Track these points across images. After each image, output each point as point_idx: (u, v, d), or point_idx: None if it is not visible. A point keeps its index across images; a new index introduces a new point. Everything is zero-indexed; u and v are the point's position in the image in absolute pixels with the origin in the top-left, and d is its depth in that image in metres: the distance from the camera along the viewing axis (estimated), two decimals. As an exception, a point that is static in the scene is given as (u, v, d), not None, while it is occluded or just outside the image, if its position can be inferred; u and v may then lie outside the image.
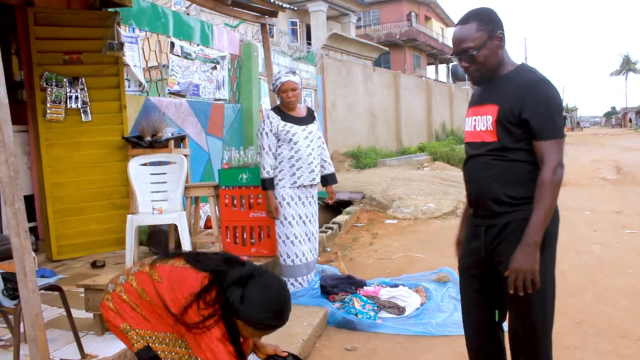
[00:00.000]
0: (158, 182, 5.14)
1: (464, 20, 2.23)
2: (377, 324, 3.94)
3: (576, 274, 4.82)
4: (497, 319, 2.40)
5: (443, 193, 9.30)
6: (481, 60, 2.21)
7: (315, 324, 3.69)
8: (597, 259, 5.48)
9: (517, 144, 2.16)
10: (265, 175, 4.26)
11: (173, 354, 2.13)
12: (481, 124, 2.24)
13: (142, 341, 2.12)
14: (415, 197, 8.84)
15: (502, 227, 2.21)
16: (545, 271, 2.17)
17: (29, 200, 5.71)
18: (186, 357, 2.15)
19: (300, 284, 4.37)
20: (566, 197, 8.41)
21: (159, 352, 2.13)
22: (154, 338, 2.13)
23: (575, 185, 10.45)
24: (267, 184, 4.27)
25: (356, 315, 4.00)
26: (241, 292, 1.96)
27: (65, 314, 2.93)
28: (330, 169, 4.61)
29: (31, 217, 5.65)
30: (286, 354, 2.51)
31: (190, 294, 2.00)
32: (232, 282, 1.99)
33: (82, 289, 3.51)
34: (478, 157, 2.27)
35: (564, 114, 2.28)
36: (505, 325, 2.39)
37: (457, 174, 12.46)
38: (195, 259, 2.16)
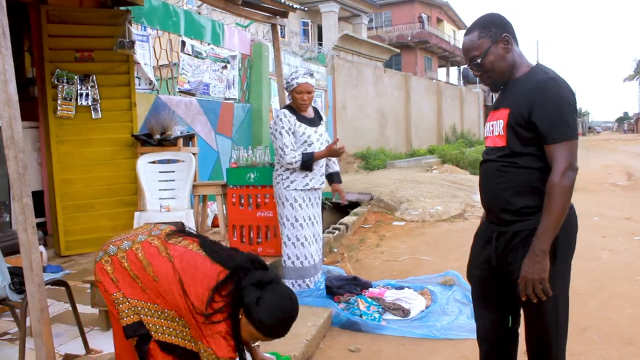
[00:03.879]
0: (166, 180, 5.17)
1: (468, 30, 2.25)
2: (382, 325, 3.94)
3: (583, 281, 4.78)
4: (509, 324, 2.38)
5: (451, 196, 9.28)
6: (488, 67, 2.20)
7: (319, 325, 3.69)
8: (605, 265, 5.44)
9: (526, 149, 2.11)
10: (298, 159, 4.09)
11: (165, 327, 2.10)
12: (496, 128, 2.22)
13: (132, 316, 2.09)
14: (423, 199, 8.82)
15: (512, 235, 2.18)
16: (557, 280, 2.12)
17: (38, 195, 5.76)
18: (183, 333, 2.12)
19: (307, 285, 4.37)
20: (574, 203, 8.32)
21: (150, 326, 2.09)
22: (146, 310, 2.09)
23: (584, 190, 10.38)
24: (308, 157, 4.11)
25: (361, 316, 4.00)
26: (259, 294, 1.96)
27: (71, 309, 2.96)
28: (335, 167, 4.57)
29: (40, 212, 5.70)
30: None
31: (204, 284, 1.99)
32: (253, 282, 1.99)
33: (88, 285, 3.54)
34: (490, 162, 2.25)
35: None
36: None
37: (466, 177, 12.43)
38: (212, 248, 2.16)
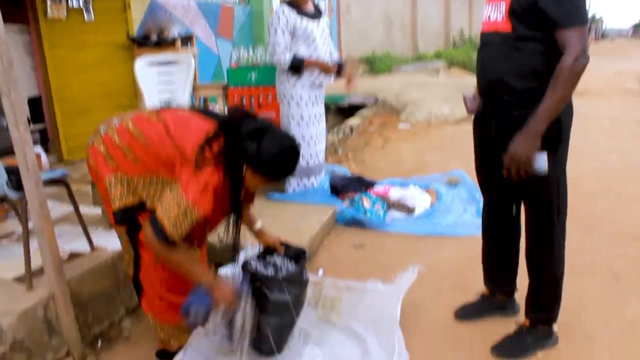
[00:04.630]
0: (165, 82, 5.03)
1: None
2: (386, 222, 3.94)
3: (590, 181, 4.73)
4: (514, 213, 2.37)
5: (458, 99, 9.06)
6: None
7: (323, 221, 3.68)
8: (613, 166, 5.35)
9: (531, 33, 2.00)
10: (287, 60, 3.94)
11: (160, 194, 2.05)
12: (495, 12, 2.10)
13: (124, 198, 2.04)
14: (429, 102, 8.63)
15: (512, 119, 2.10)
16: (560, 161, 2.12)
17: (36, 102, 5.66)
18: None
19: (312, 183, 4.34)
20: (585, 106, 8.18)
21: (145, 196, 2.04)
22: (140, 183, 2.04)
23: (595, 94, 10.11)
24: (298, 62, 3.97)
25: (365, 214, 4.00)
26: (257, 142, 1.91)
27: (73, 210, 2.93)
28: (338, 58, 4.37)
29: (39, 118, 5.62)
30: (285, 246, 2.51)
31: (196, 137, 1.93)
32: (250, 131, 1.94)
33: (90, 187, 3.52)
34: (492, 46, 2.14)
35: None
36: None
37: (473, 80, 12.10)
38: (204, 110, 2.13)
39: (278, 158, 1.94)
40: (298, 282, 2.31)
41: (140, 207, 2.08)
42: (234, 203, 2.03)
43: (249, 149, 1.92)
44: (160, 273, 2.18)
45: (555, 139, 2.06)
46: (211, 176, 1.89)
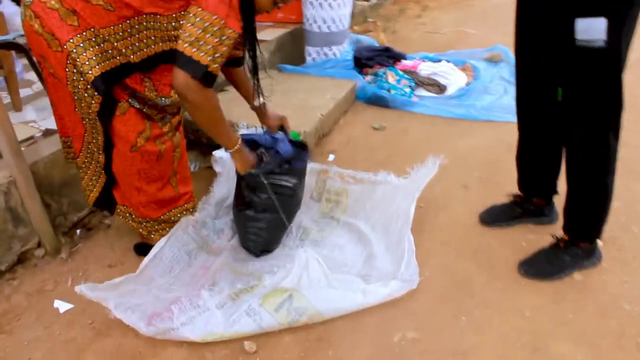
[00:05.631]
0: None
1: None
2: (412, 101, 3.46)
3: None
4: (559, 97, 1.81)
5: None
6: None
7: (339, 98, 3.23)
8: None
9: None
10: None
11: (145, 41, 1.66)
12: None
13: (102, 63, 1.63)
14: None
15: None
16: (622, 40, 1.56)
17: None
18: (166, 34, 1.67)
19: (333, 53, 3.84)
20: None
21: (126, 49, 1.65)
22: (119, 35, 1.62)
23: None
24: None
25: (389, 90, 3.52)
26: None
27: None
28: None
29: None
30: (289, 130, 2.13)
31: None
32: None
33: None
34: None
35: None
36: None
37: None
38: None
39: None
40: (286, 185, 1.95)
41: (120, 73, 1.69)
42: (247, 22, 1.64)
43: None
44: (138, 164, 1.84)
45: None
46: None
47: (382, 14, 5.94)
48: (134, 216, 2.02)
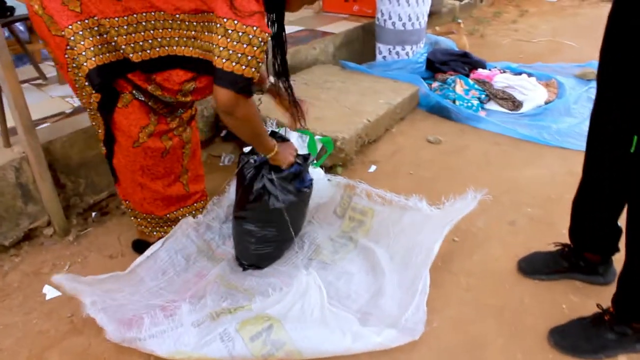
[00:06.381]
0: None
1: None
2: (478, 115, 3.14)
3: None
4: (632, 149, 1.46)
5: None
6: None
7: (394, 104, 2.97)
8: None
9: None
10: None
11: (151, 40, 1.50)
12: None
13: (99, 55, 1.50)
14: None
15: None
16: None
17: None
18: (177, 39, 1.51)
19: (406, 53, 3.58)
20: None
21: (124, 46, 1.50)
22: (126, 27, 1.48)
23: None
24: None
25: (453, 101, 3.22)
26: None
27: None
28: None
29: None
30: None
31: None
32: None
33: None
34: None
35: None
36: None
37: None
38: None
39: None
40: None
41: (120, 68, 1.56)
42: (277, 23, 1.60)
43: None
44: (141, 160, 1.73)
45: None
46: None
47: (474, 16, 5.56)
48: (136, 212, 1.91)
